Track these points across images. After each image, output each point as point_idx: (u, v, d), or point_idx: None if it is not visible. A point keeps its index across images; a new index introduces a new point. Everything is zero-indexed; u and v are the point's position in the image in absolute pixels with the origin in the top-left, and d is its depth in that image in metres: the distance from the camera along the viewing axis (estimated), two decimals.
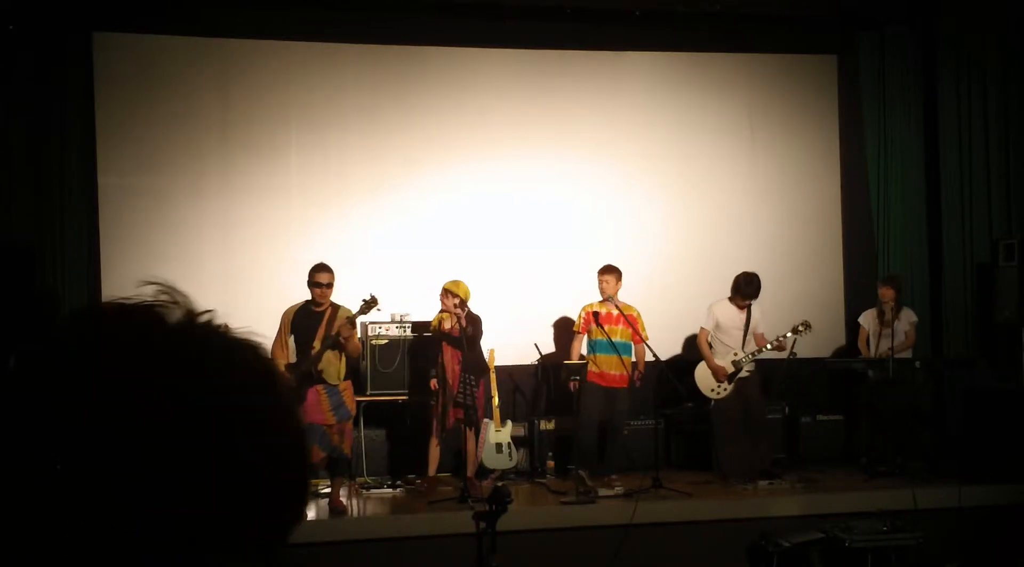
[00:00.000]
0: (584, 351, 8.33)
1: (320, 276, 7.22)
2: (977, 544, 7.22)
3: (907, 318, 8.60)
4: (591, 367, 8.13)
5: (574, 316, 8.49)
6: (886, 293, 8.59)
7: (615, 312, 8.12)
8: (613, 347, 8.09)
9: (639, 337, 8.15)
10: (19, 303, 7.52)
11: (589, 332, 8.21)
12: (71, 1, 8.45)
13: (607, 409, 8.10)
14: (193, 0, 8.84)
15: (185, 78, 8.88)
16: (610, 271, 8.16)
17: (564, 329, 8.97)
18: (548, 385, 9.12)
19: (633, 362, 8.16)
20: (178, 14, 8.79)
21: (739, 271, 8.37)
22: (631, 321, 8.11)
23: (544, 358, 9.04)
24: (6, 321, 7.40)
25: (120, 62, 8.74)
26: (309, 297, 7.34)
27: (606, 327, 8.14)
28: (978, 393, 8.36)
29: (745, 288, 8.17)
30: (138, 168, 8.76)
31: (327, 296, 7.24)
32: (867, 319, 8.78)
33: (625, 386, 8.12)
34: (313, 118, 9.07)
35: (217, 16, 8.88)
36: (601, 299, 8.17)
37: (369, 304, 7.18)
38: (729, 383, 8.15)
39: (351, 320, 7.09)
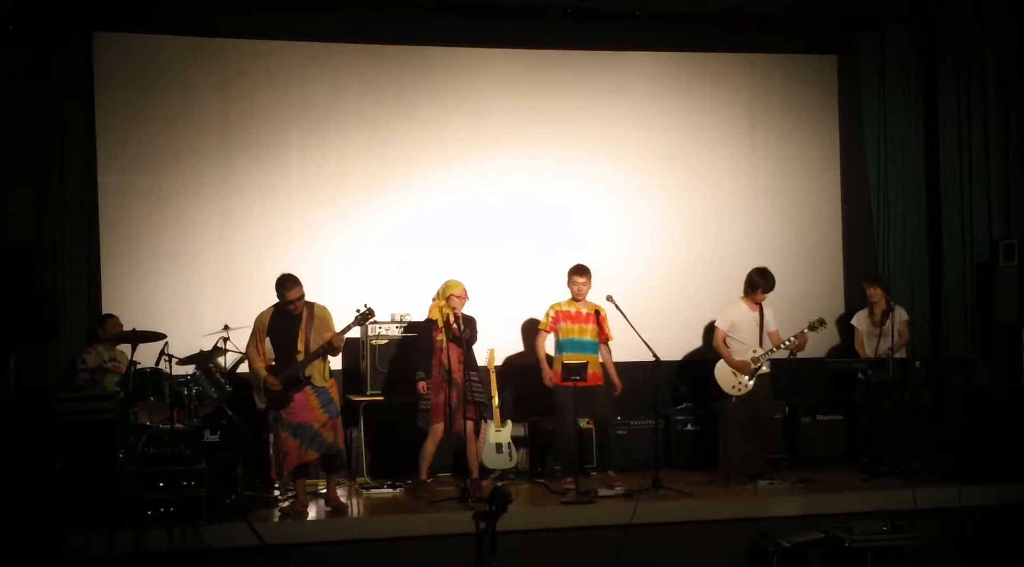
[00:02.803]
0: (552, 351, 8.31)
1: (289, 294, 7.15)
2: (977, 544, 7.23)
3: (899, 316, 8.61)
4: (557, 367, 8.11)
5: None
6: (874, 293, 8.63)
7: (584, 311, 8.14)
8: (587, 346, 8.10)
9: (605, 336, 8.19)
10: (19, 303, 7.51)
11: (557, 332, 8.20)
12: (71, 1, 8.45)
13: (587, 409, 8.09)
14: (193, 0, 8.84)
15: (185, 78, 8.87)
16: (586, 272, 8.19)
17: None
18: (528, 386, 9.00)
19: (602, 364, 8.17)
20: (178, 14, 8.79)
21: (739, 270, 8.39)
22: (600, 320, 8.15)
23: (510, 358, 9.03)
24: (6, 321, 7.40)
25: (120, 62, 8.74)
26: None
27: (577, 326, 8.15)
28: (978, 393, 8.36)
29: (762, 282, 8.19)
30: (138, 168, 8.76)
31: (299, 308, 7.22)
32: (860, 320, 8.80)
33: (601, 384, 8.12)
34: (313, 118, 9.07)
35: (217, 16, 8.89)
36: (570, 299, 8.19)
37: (365, 316, 7.21)
38: (751, 379, 8.14)
39: (343, 331, 7.15)
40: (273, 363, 7.24)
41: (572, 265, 8.27)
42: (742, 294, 8.32)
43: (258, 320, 7.31)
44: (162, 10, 8.76)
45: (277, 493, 7.60)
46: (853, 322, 8.88)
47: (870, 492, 7.60)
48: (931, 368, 8.71)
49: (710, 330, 8.70)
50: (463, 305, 7.81)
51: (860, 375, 8.51)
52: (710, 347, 8.53)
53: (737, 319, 8.25)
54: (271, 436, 7.42)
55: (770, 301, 8.33)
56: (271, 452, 7.41)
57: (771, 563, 6.74)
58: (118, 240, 8.68)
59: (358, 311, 7.20)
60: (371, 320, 7.30)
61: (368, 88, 9.19)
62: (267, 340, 7.26)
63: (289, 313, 7.23)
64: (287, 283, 7.18)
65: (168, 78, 8.84)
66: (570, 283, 8.20)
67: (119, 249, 8.67)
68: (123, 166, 8.74)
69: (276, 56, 9.06)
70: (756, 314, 8.25)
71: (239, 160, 8.95)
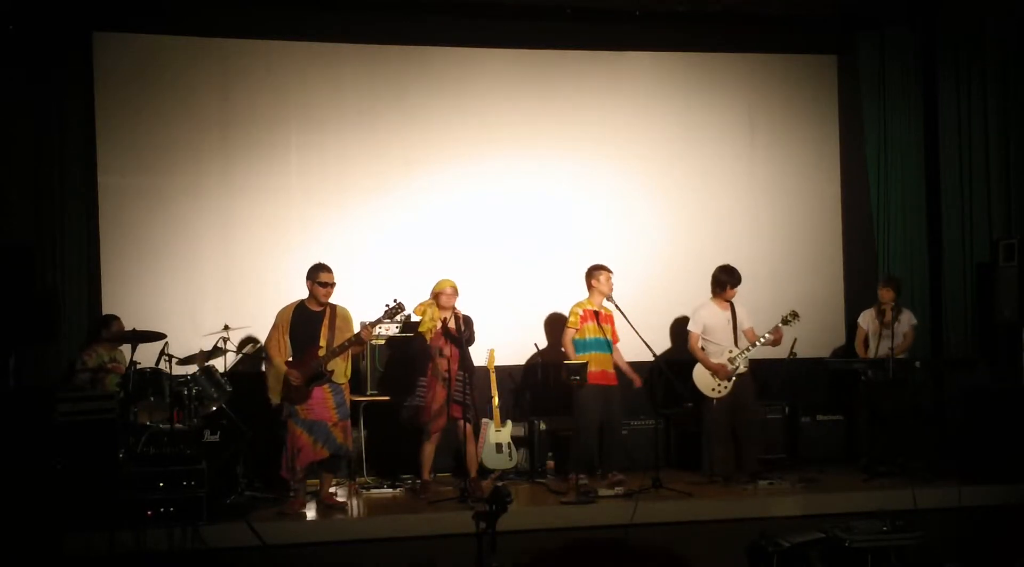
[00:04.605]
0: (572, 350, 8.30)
1: (327, 276, 7.30)
2: (977, 544, 7.22)
3: (907, 320, 8.61)
4: (591, 367, 8.11)
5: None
6: (886, 294, 8.63)
7: (602, 311, 8.16)
8: (607, 345, 8.11)
9: (616, 336, 8.21)
10: (19, 303, 7.51)
11: (582, 331, 8.18)
12: (71, 1, 8.45)
13: (604, 408, 8.11)
14: (193, 0, 8.84)
15: (185, 78, 8.88)
16: (610, 270, 8.20)
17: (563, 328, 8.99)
18: (547, 385, 9.09)
19: (615, 364, 8.18)
20: (178, 14, 8.79)
21: (739, 270, 8.38)
22: (611, 321, 8.17)
23: (537, 356, 9.04)
24: (6, 321, 7.40)
25: (120, 62, 8.74)
26: (305, 296, 7.36)
27: (598, 325, 8.16)
28: (978, 393, 8.36)
29: (729, 279, 8.23)
30: (138, 168, 8.76)
31: (330, 296, 7.28)
32: (866, 319, 8.80)
33: (616, 384, 8.13)
34: (313, 118, 9.07)
35: (217, 16, 8.89)
36: (589, 298, 8.18)
37: (394, 311, 7.17)
38: (728, 381, 8.16)
39: (372, 325, 7.21)
40: (290, 360, 7.26)
41: (593, 264, 8.24)
42: (711, 295, 8.33)
43: (280, 315, 7.33)
44: (162, 10, 8.76)
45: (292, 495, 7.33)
46: (859, 321, 8.87)
47: (870, 492, 7.60)
48: (931, 368, 8.70)
49: (679, 332, 8.71)
50: (452, 301, 7.79)
51: (861, 375, 8.52)
52: (682, 349, 8.53)
53: (709, 321, 8.26)
54: (286, 433, 7.33)
55: (766, 301, 8.33)
56: (284, 449, 7.32)
57: (771, 563, 6.73)
58: (118, 240, 8.68)
59: (387, 306, 7.19)
60: (402, 315, 7.29)
61: (368, 88, 9.19)
62: (287, 337, 7.28)
63: (311, 312, 7.26)
64: (322, 268, 7.30)
65: (168, 78, 8.84)
66: (598, 280, 8.14)
67: (119, 249, 8.67)
68: (123, 166, 8.74)
69: (276, 56, 9.06)
70: (727, 313, 8.26)
71: (239, 160, 8.95)
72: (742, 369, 8.17)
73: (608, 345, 8.14)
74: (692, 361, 8.37)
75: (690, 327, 8.35)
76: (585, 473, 7.86)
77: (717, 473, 8.10)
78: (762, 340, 8.11)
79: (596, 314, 8.15)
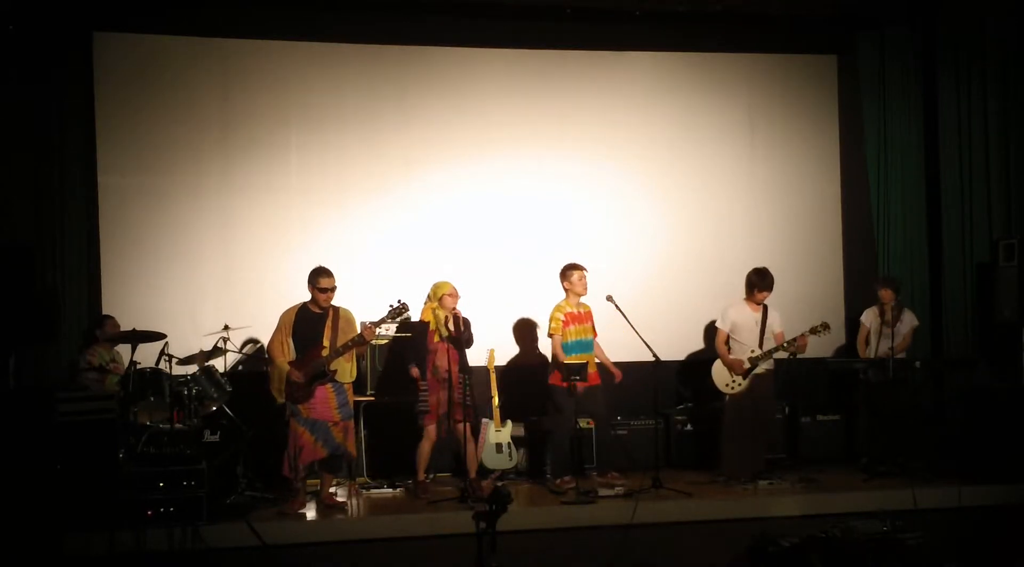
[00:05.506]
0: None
1: (327, 282, 7.27)
2: (977, 544, 7.23)
3: (909, 321, 8.59)
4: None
5: None
6: (886, 294, 8.61)
7: (582, 311, 8.15)
8: (589, 346, 8.11)
9: (595, 332, 8.20)
10: (19, 303, 7.51)
11: (565, 334, 8.13)
12: (71, 1, 8.45)
13: (587, 409, 8.09)
14: (193, 0, 8.84)
15: (185, 78, 8.88)
16: (583, 268, 8.18)
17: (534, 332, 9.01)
18: (524, 385, 9.01)
19: (598, 362, 8.17)
20: (178, 14, 8.80)
21: (738, 271, 8.38)
22: (590, 318, 8.17)
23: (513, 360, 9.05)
24: (6, 321, 7.41)
25: (120, 62, 8.74)
26: (308, 298, 7.35)
27: (581, 327, 8.14)
28: (978, 393, 8.36)
29: (760, 282, 8.17)
30: (138, 168, 8.77)
31: (331, 300, 7.27)
32: (869, 317, 8.78)
33: (599, 383, 8.12)
34: (313, 118, 9.07)
35: (217, 16, 8.89)
36: (566, 299, 8.17)
37: (398, 311, 7.16)
38: (744, 378, 8.13)
39: (375, 325, 7.21)
40: (293, 360, 7.25)
41: (566, 264, 8.23)
42: (744, 295, 8.32)
43: (283, 317, 7.33)
44: (162, 10, 8.76)
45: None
46: (862, 318, 8.86)
47: (870, 492, 7.61)
48: (931, 368, 8.70)
49: (712, 331, 8.69)
50: (456, 303, 7.79)
51: (861, 375, 8.52)
52: (711, 348, 8.53)
53: (738, 320, 8.23)
54: (288, 432, 7.32)
55: (772, 301, 8.32)
56: (287, 448, 7.32)
57: (771, 563, 6.74)
58: (118, 240, 8.68)
59: (391, 306, 7.18)
60: (405, 315, 7.27)
61: (368, 88, 9.19)
62: (290, 339, 7.28)
63: (314, 314, 7.26)
64: (322, 273, 7.28)
65: (168, 78, 8.84)
66: (571, 280, 8.13)
67: (119, 249, 8.68)
68: (123, 166, 8.74)
69: (276, 56, 9.07)
70: (758, 315, 8.23)
71: (239, 160, 8.96)
72: (760, 370, 8.13)
73: (590, 345, 8.15)
74: (697, 360, 8.38)
75: (718, 324, 8.33)
76: (570, 476, 7.82)
77: (722, 472, 8.08)
78: (785, 345, 8.07)
79: (576, 315, 8.13)
